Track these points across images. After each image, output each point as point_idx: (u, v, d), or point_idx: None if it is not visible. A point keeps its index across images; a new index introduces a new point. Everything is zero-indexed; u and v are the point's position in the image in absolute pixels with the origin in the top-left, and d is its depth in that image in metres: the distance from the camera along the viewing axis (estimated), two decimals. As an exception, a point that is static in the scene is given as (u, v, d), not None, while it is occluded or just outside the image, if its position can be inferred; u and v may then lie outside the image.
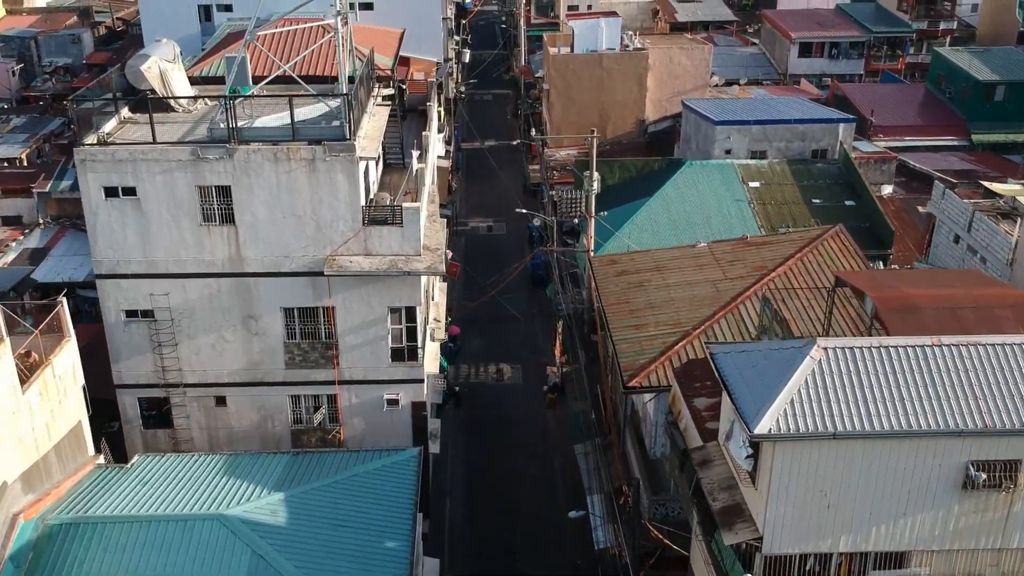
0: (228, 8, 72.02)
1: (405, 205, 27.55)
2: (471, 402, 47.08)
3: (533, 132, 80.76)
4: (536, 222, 50.11)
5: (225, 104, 26.48)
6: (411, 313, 28.86)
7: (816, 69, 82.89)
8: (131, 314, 28.89)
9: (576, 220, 43.24)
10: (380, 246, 27.91)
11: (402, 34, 40.76)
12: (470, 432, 44.59)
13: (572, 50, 72.88)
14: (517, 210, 51.91)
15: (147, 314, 28.84)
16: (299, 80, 29.79)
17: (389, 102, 32.07)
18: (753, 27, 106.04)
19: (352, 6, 70.91)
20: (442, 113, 72.01)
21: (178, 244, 27.83)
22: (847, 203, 51.47)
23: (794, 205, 51.08)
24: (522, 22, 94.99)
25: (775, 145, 54.64)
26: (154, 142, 26.80)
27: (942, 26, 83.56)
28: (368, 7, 69.95)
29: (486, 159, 74.24)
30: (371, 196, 29.39)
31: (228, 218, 27.65)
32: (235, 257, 28.02)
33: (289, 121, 26.78)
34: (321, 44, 33.71)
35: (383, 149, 33.91)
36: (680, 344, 29.72)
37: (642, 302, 32.58)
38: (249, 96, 28.09)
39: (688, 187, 51.82)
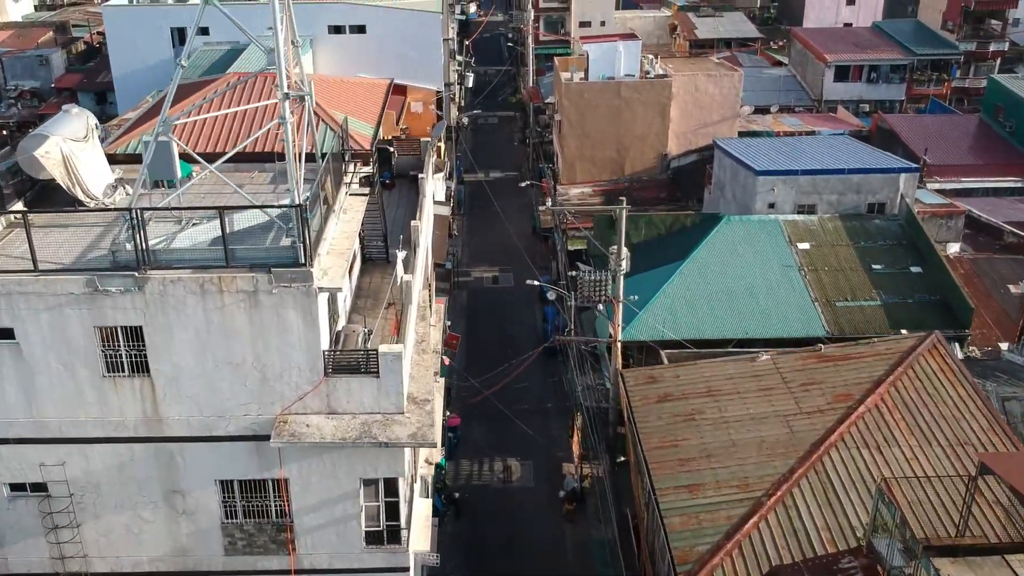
0: (205, 31, 64.33)
1: (383, 349, 20.15)
2: (473, 511, 39.69)
3: (543, 166, 73.32)
4: (551, 295, 42.71)
5: (132, 217, 19.06)
6: (392, 486, 21.51)
7: (853, 94, 75.41)
8: (17, 488, 21.62)
9: (600, 305, 35.78)
10: (349, 402, 20.59)
11: (389, 85, 33.34)
12: (470, 555, 37.15)
13: (586, 76, 65.44)
14: (529, 282, 44.50)
15: (38, 488, 21.56)
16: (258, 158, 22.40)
17: (367, 190, 24.60)
18: (777, 43, 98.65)
19: (341, 29, 63.59)
20: (443, 148, 64.54)
21: (74, 401, 20.52)
22: (912, 269, 43.99)
23: (851, 272, 43.62)
24: (530, 40, 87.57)
25: (826, 198, 47.16)
26: (35, 270, 19.43)
27: (992, 47, 75.95)
28: (360, 30, 62.66)
29: (490, 195, 66.80)
30: (338, 328, 21.99)
31: (141, 368, 20.34)
32: (152, 417, 20.71)
33: (221, 237, 19.29)
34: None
35: (361, 242, 26.51)
36: (752, 521, 22.30)
37: (695, 447, 25.16)
38: (162, 208, 20.56)
39: (727, 249, 44.40)
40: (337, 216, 22.35)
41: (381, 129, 32.61)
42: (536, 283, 44.45)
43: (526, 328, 54.06)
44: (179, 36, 64.50)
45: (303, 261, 19.14)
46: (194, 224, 20.31)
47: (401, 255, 24.11)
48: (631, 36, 67.75)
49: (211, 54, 60.49)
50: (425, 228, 27.50)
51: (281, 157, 23.17)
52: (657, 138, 65.53)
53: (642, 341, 37.83)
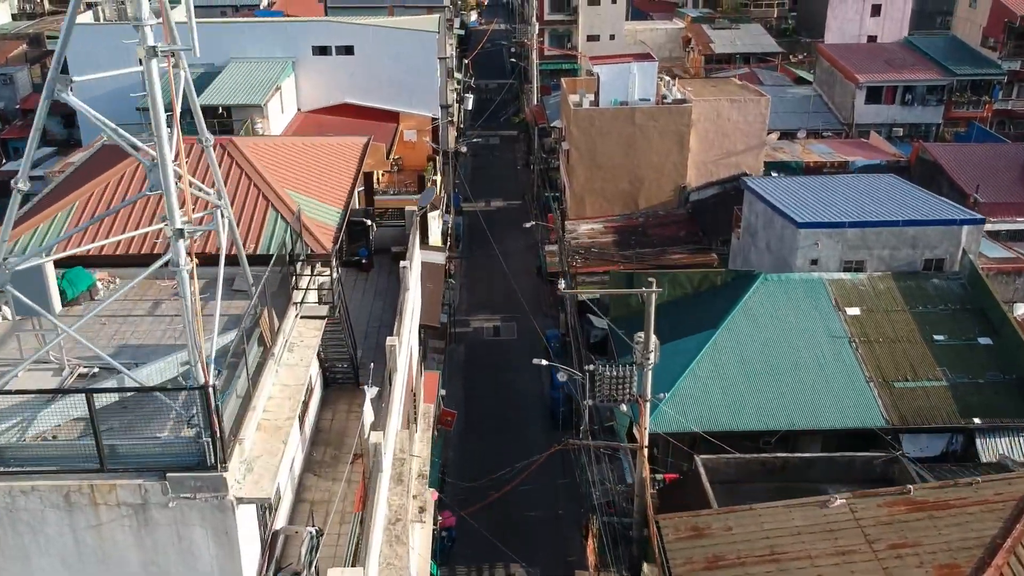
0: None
1: None
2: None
3: (548, 196, 67.29)
4: (561, 376, 36.66)
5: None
6: None
7: (886, 117, 69.33)
8: None
9: (624, 405, 29.71)
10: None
11: (366, 145, 27.24)
12: None
13: (597, 101, 59.44)
14: (535, 361, 38.38)
15: None
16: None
17: (325, 311, 18.47)
18: (798, 56, 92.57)
19: (327, 50, 57.40)
20: (438, 180, 58.56)
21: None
22: (981, 341, 38.04)
23: (909, 345, 37.67)
24: (534, 55, 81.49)
25: (876, 253, 41.14)
26: None
27: (1038, 66, 69.83)
28: (347, 51, 56.74)
29: (490, 227, 60.73)
30: (275, 529, 15.88)
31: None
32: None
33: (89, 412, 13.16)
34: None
35: (322, 366, 20.45)
36: None
37: (758, 643, 19.15)
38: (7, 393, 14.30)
39: (765, 315, 38.45)
40: (278, 360, 16.33)
41: (356, 196, 26.47)
42: (542, 363, 38.39)
43: (531, 393, 48.10)
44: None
45: (212, 462, 13.13)
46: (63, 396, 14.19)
47: (371, 393, 18.08)
48: (646, 56, 61.81)
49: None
50: (406, 336, 21.47)
51: (213, 260, 16.85)
52: (675, 169, 59.54)
53: (693, 519, 31.74)
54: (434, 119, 59.12)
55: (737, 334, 37.58)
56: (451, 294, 55.76)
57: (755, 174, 60.09)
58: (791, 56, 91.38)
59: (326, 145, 25.85)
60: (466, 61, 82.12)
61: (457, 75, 77.58)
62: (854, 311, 38.74)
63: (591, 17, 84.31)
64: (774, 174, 60.17)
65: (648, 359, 28.51)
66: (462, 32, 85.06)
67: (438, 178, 57.78)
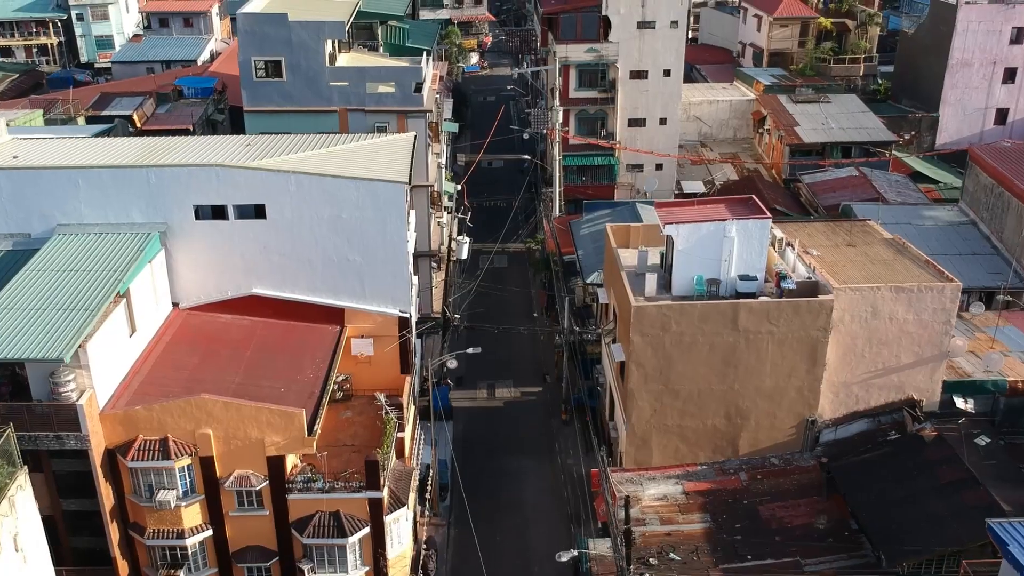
0: None
1: None
2: None
3: (591, 403, 43.98)
4: None
5: None
6: None
7: (1094, 270, 45.73)
8: None
9: None
10: None
11: None
12: None
13: (669, 277, 36.21)
14: None
15: None
16: None
17: None
18: (902, 137, 69.08)
19: (221, 211, 33.45)
20: (407, 442, 35.19)
21: None
22: None
23: None
24: (557, 150, 57.87)
25: None
26: None
27: None
28: (256, 213, 33.35)
29: (495, 452, 37.29)
30: None
31: None
32: None
33: None
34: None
35: None
36: None
37: None
38: None
39: None
40: None
41: None
42: None
43: None
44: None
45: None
46: None
47: None
48: (747, 201, 37.92)
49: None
50: None
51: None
52: (799, 395, 36.23)
53: None
54: (402, 314, 35.63)
55: None
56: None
57: (928, 400, 36.70)
58: (898, 135, 67.86)
59: None
60: (459, 187, 57.59)
61: (447, 205, 53.65)
62: None
63: (634, 95, 60.87)
64: (959, 401, 36.72)
65: None
66: (454, 128, 60.86)
67: (406, 435, 34.39)
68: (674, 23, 59.17)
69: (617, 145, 61.41)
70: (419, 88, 43.49)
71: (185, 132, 61.64)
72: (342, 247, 34.39)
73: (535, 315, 56.10)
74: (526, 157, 65.10)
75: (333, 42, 44.06)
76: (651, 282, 37.00)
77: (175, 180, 33.28)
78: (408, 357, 36.10)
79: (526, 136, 63.64)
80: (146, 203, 33.46)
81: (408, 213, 35.44)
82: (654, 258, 39.94)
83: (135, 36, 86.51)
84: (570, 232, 53.43)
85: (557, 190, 59.22)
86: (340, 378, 35.82)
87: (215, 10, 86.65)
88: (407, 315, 35.49)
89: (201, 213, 33.86)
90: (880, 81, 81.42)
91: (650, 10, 58.71)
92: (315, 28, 41.63)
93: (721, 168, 64.46)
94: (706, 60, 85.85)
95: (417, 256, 45.77)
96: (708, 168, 64.85)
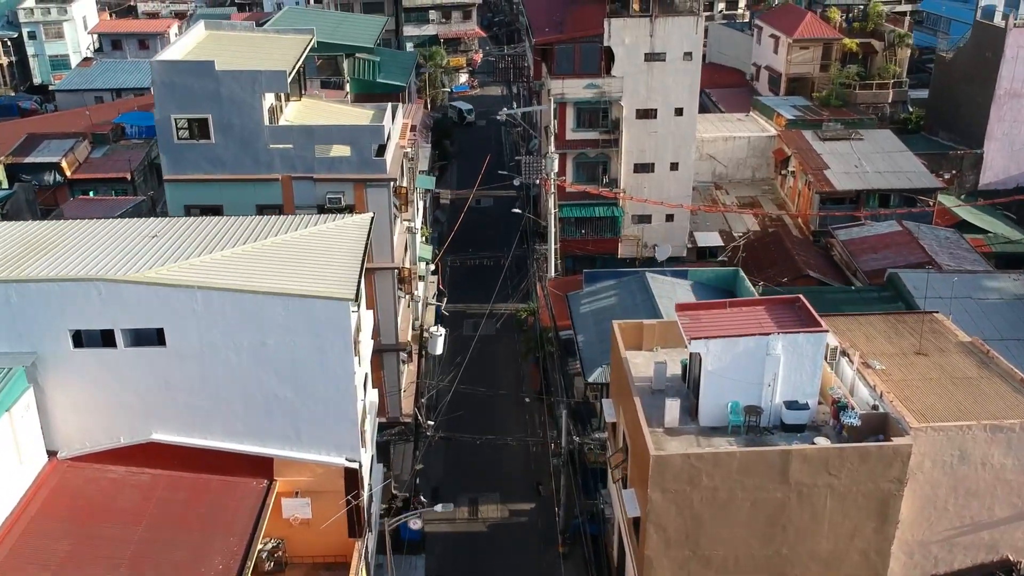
0: None
1: None
2: None
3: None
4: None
5: None
6: None
7: None
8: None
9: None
10: None
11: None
12: None
13: (696, 407, 28.07)
14: None
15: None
16: None
17: None
18: (942, 175, 61.00)
19: (108, 338, 25.51)
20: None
21: None
22: None
23: None
24: (552, 203, 49.59)
25: None
26: None
27: None
28: (154, 339, 24.95)
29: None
30: None
31: None
32: None
33: None
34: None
35: None
36: None
37: None
38: None
39: None
40: None
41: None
42: None
43: None
44: None
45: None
46: None
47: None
48: (793, 303, 29.63)
49: None
50: None
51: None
52: (864, 559, 28.19)
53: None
54: (349, 462, 27.34)
55: None
56: None
57: (1028, 563, 28.66)
58: (937, 174, 59.71)
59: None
60: (433, 268, 48.48)
61: (426, 281, 45.41)
62: None
63: (641, 137, 52.67)
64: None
65: None
66: (427, 176, 52.20)
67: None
68: (687, 55, 50.96)
69: (621, 195, 53.18)
70: (382, 151, 35.25)
71: (122, 181, 53.66)
72: (268, 381, 26.16)
73: (526, 399, 47.81)
74: (518, 210, 56.53)
75: (278, 94, 35.84)
76: (672, 410, 28.91)
77: (45, 299, 25.03)
78: (359, 517, 27.81)
79: (516, 183, 55.43)
80: (7, 329, 25.21)
81: (356, 333, 27.20)
82: (674, 366, 31.79)
83: (85, 60, 78.16)
84: (567, 305, 45.16)
85: (553, 247, 50.92)
86: (270, 544, 27.64)
87: (174, 31, 78.41)
88: (355, 465, 27.24)
89: (82, 339, 25.62)
90: (911, 109, 73.26)
91: (659, 40, 50.51)
92: (250, 79, 33.37)
93: (740, 218, 56.31)
94: (716, 83, 77.57)
95: (381, 351, 37.64)
96: (725, 217, 56.67)
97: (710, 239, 55.28)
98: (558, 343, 45.06)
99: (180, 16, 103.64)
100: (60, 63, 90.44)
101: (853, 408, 28.05)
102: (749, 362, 28.32)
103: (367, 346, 30.56)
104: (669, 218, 54.64)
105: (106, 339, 25.70)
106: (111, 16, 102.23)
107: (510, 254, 54.89)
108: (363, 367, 29.18)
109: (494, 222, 65.39)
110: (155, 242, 28.11)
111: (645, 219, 54.63)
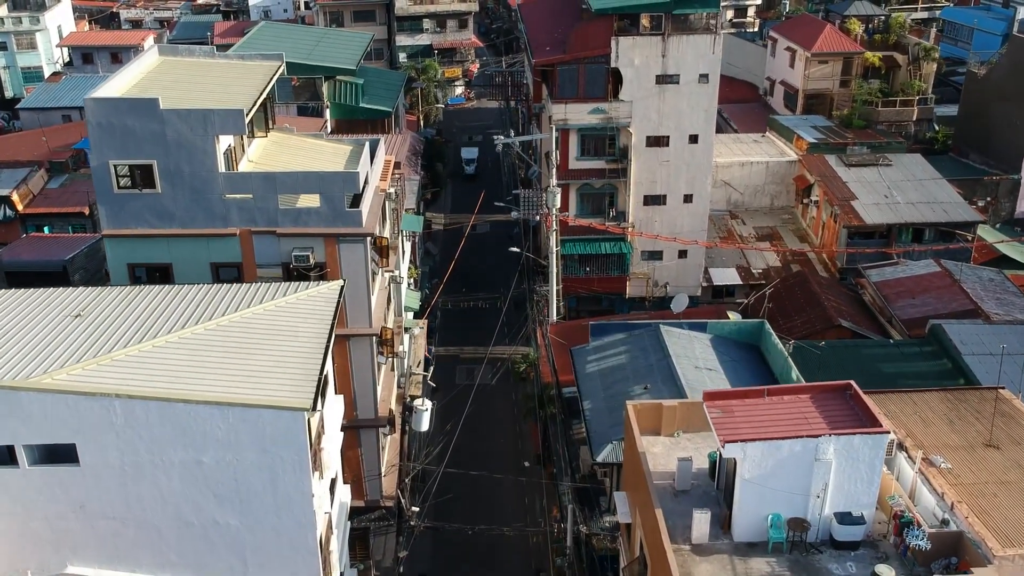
0: None
1: None
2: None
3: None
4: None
5: None
6: None
7: None
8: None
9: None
10: None
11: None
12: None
13: (728, 518, 23.28)
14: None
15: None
16: None
17: None
18: (976, 202, 56.08)
19: (11, 453, 20.59)
20: None
21: None
22: None
23: None
24: (553, 240, 44.68)
25: None
26: None
27: None
28: (64, 456, 19.74)
29: None
30: None
31: None
32: None
33: None
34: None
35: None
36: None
37: None
38: None
39: None
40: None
41: None
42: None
43: None
44: None
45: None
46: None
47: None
48: (843, 390, 24.88)
49: None
50: None
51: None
52: None
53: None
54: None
55: None
56: None
57: None
58: (971, 202, 54.80)
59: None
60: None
61: (412, 300, 40.80)
62: None
63: (651, 166, 47.78)
64: None
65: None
66: (415, 217, 46.93)
67: None
68: (703, 77, 46.06)
69: (630, 230, 48.28)
70: (357, 200, 30.33)
71: (79, 216, 48.75)
72: (206, 506, 21.26)
73: (526, 464, 42.87)
74: (515, 249, 51.41)
75: (240, 135, 30.85)
76: (701, 523, 24.03)
77: (-74, 408, 20.11)
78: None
79: (514, 215, 50.51)
80: None
81: (318, 440, 22.26)
82: (700, 459, 26.91)
83: (53, 74, 73.10)
84: (571, 360, 40.23)
85: (554, 288, 46.04)
86: None
87: (149, 43, 73.39)
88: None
89: (-21, 456, 20.75)
90: (936, 128, 68.32)
91: (672, 61, 45.61)
92: (201, 119, 28.44)
93: (761, 254, 51.43)
94: (728, 98, 72.39)
95: (359, 427, 32.73)
96: (744, 253, 51.79)
97: (727, 276, 50.45)
98: (560, 403, 40.19)
99: (164, 23, 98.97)
100: (33, 75, 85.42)
101: (920, 525, 23.20)
102: (794, 468, 23.47)
103: (334, 443, 25.63)
104: (682, 254, 49.74)
105: (5, 457, 20.81)
106: (91, 25, 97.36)
107: (508, 296, 49.83)
108: (329, 474, 24.26)
109: (491, 250, 60.40)
110: (76, 324, 23.21)
111: (656, 255, 49.73)
